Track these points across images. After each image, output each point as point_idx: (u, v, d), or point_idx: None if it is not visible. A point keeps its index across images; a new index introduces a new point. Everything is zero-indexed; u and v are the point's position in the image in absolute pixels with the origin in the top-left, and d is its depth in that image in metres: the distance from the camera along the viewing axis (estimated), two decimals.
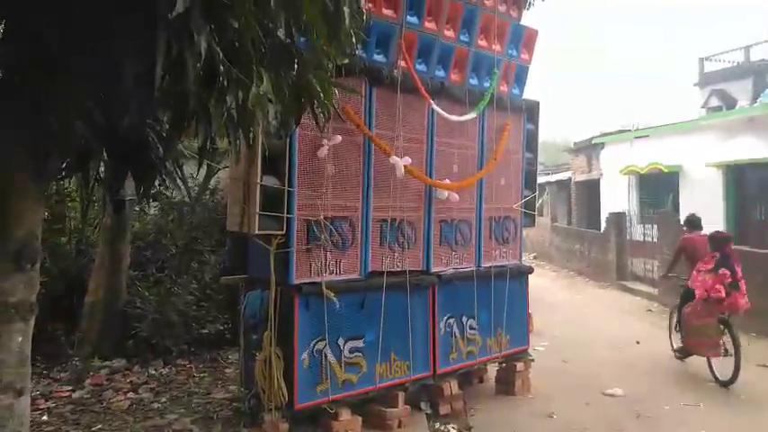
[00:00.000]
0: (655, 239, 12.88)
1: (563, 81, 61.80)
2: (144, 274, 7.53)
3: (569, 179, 22.26)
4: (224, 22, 1.99)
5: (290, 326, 4.31)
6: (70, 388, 5.76)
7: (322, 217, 4.44)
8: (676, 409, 5.58)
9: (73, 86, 2.39)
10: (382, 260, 4.90)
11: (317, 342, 4.45)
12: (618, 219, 15.06)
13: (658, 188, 16.61)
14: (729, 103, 21.30)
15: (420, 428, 4.92)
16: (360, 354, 4.71)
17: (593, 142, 20.03)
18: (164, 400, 5.51)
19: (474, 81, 5.51)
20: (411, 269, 5.04)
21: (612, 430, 5.04)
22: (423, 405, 5.34)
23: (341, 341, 4.59)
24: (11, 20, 2.40)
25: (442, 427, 5.01)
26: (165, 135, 2.76)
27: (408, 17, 4.78)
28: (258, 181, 4.03)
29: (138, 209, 8.27)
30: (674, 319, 7.42)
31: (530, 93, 6.17)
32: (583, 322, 9.97)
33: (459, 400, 5.42)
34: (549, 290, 13.90)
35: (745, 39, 35.83)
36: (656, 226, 13.21)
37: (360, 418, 4.69)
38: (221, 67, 1.93)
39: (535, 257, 19.99)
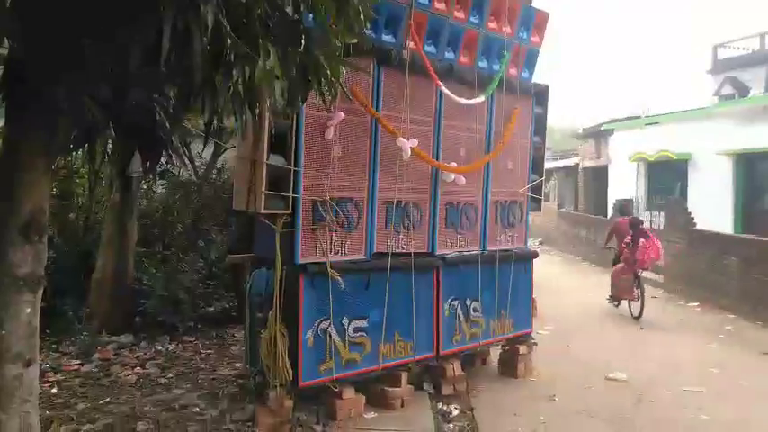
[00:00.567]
0: (662, 227, 12.83)
1: (573, 66, 61.20)
2: (151, 251, 7.61)
3: (577, 165, 22.15)
4: None
5: (295, 305, 4.35)
6: (78, 362, 5.85)
7: (328, 197, 4.45)
8: (678, 394, 5.61)
9: (80, 62, 2.39)
10: (387, 241, 4.91)
11: (322, 321, 4.49)
12: (625, 205, 14.98)
13: (667, 176, 16.50)
14: (742, 90, 21.04)
15: (423, 408, 4.97)
16: (364, 333, 4.75)
17: (602, 128, 19.89)
18: (170, 375, 5.59)
19: (483, 64, 5.47)
20: (416, 251, 5.06)
21: (614, 414, 5.07)
22: (425, 385, 5.39)
23: (345, 321, 4.63)
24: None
25: (445, 408, 5.06)
26: (171, 110, 2.76)
27: None
28: (265, 160, 4.04)
29: (145, 187, 8.32)
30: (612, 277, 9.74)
31: (539, 76, 6.12)
32: (587, 308, 9.99)
33: (462, 381, 5.46)
34: (554, 275, 13.91)
35: (761, 26, 35.25)
36: (662, 213, 13.15)
37: (363, 397, 4.75)
38: (228, 41, 1.93)
39: (541, 243, 19.98)
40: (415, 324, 5.04)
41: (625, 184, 17.59)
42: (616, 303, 9.61)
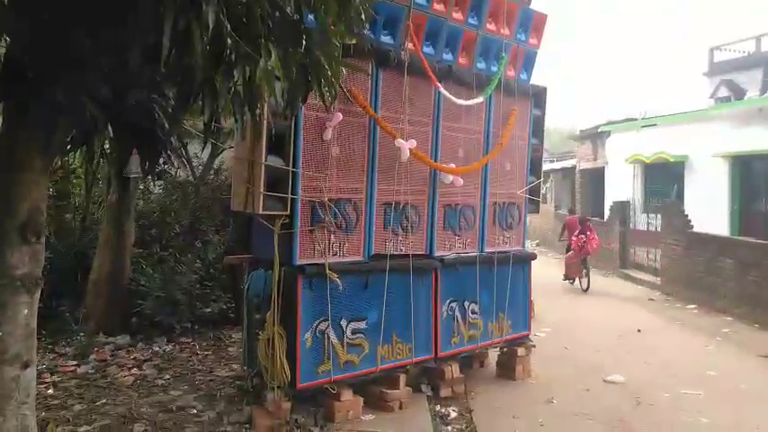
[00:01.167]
0: (658, 229, 12.86)
1: (571, 68, 61.29)
2: (148, 252, 7.57)
3: (574, 167, 22.19)
4: None
5: (293, 306, 4.34)
6: (75, 363, 5.83)
7: (326, 199, 4.45)
8: (676, 397, 5.60)
9: (80, 61, 2.38)
10: (386, 243, 4.90)
11: (320, 323, 4.48)
12: (622, 208, 15.02)
13: (663, 178, 16.56)
14: (738, 93, 21.10)
15: (420, 410, 4.96)
16: (362, 335, 4.74)
17: (599, 130, 19.94)
18: (167, 376, 5.56)
19: (482, 65, 5.47)
20: (414, 253, 5.05)
21: (612, 416, 5.06)
22: (423, 387, 5.38)
23: (343, 322, 4.62)
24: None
25: (443, 410, 5.05)
26: (170, 111, 2.75)
27: None
28: (263, 161, 4.03)
29: (142, 187, 8.30)
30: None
31: (537, 78, 6.12)
32: (585, 310, 10.00)
33: (460, 383, 5.45)
34: (552, 277, 13.92)
35: (757, 28, 35.36)
36: (659, 215, 13.17)
37: (361, 399, 4.74)
38: (229, 41, 1.91)
39: (538, 244, 19.97)
40: (413, 326, 5.03)
41: (622, 185, 17.63)
42: (571, 281, 12.42)
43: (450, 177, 5.19)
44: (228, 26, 1.89)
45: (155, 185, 8.65)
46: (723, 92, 22.10)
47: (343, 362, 4.61)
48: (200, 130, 2.72)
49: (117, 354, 6.17)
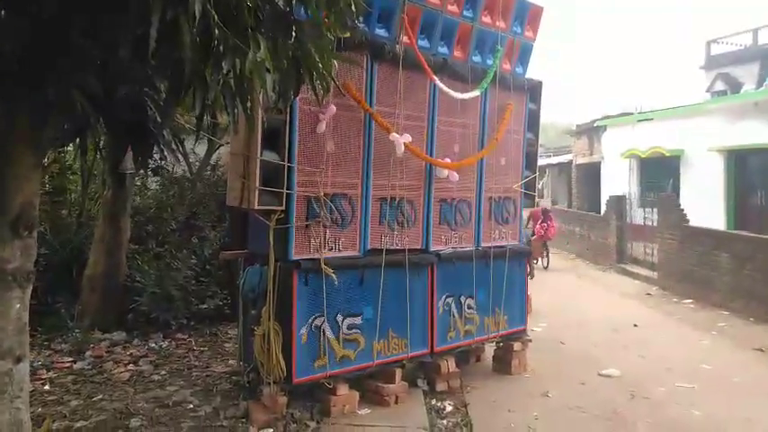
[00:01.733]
0: (655, 223, 12.87)
1: (568, 62, 61.22)
2: (144, 248, 7.56)
3: (570, 162, 22.20)
4: None
5: (289, 301, 4.33)
6: (71, 359, 5.82)
7: (322, 194, 4.43)
8: (671, 391, 5.62)
9: (70, 55, 2.36)
10: (381, 238, 4.89)
11: (316, 318, 4.47)
12: (618, 202, 15.04)
13: (659, 172, 16.56)
14: (735, 87, 21.10)
15: (417, 405, 4.97)
16: (358, 330, 4.74)
17: (595, 125, 19.95)
18: (163, 372, 5.56)
19: (477, 58, 5.45)
20: (410, 248, 5.05)
21: (607, 410, 5.08)
22: (420, 382, 5.39)
23: (339, 317, 4.62)
24: None
25: (439, 404, 5.05)
26: (162, 104, 2.73)
27: None
28: (258, 156, 4.02)
29: (138, 183, 8.28)
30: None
31: (535, 74, 6.11)
32: (581, 304, 10.01)
33: (456, 377, 5.46)
34: (549, 271, 13.98)
35: (754, 21, 35.31)
36: (656, 210, 13.19)
37: (357, 394, 4.74)
38: (216, 32, 1.90)
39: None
40: (409, 321, 5.03)
41: (618, 180, 17.65)
42: (535, 261, 13.57)
43: (446, 172, 5.18)
44: (216, 17, 1.87)
45: (150, 181, 8.63)
46: (720, 85, 22.08)
47: (339, 357, 4.61)
48: (195, 125, 2.71)
49: (113, 350, 6.16)
